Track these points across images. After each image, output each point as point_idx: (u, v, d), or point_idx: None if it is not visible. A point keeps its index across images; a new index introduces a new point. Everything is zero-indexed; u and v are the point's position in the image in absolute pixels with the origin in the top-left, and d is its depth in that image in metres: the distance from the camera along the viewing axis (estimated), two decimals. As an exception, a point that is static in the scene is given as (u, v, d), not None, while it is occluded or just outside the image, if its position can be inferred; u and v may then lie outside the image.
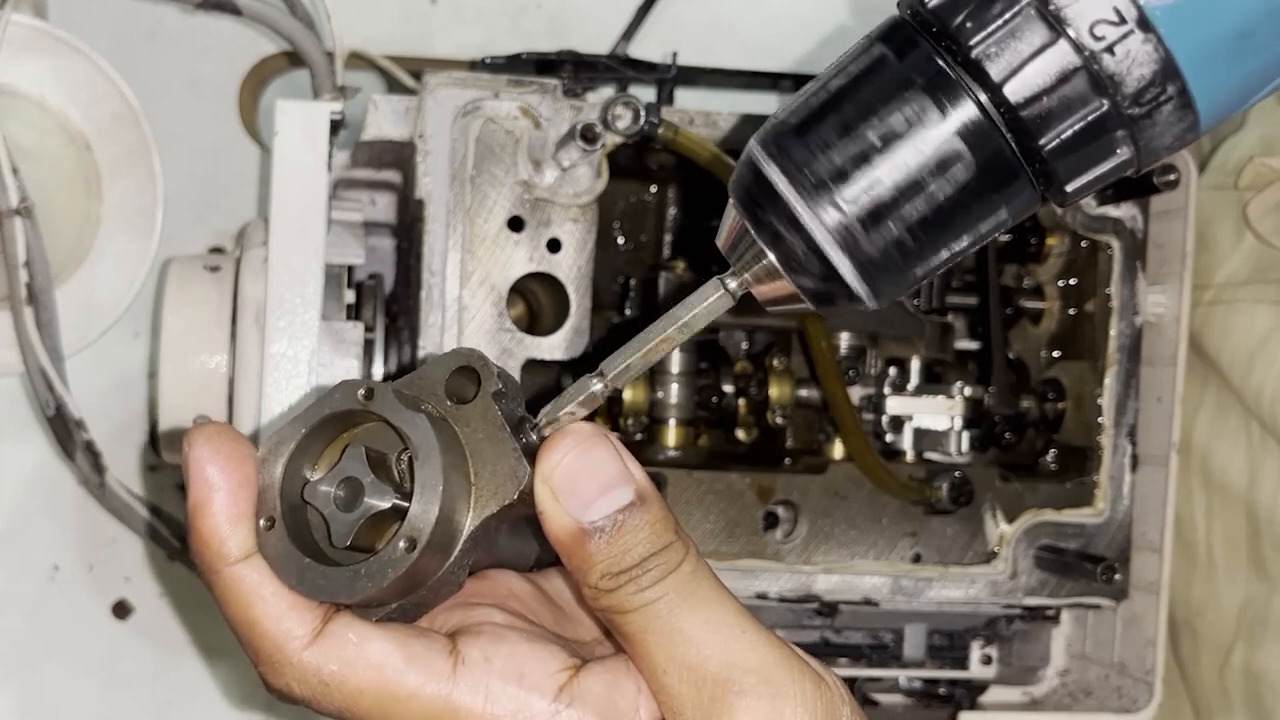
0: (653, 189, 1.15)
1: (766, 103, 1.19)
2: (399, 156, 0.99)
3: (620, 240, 1.15)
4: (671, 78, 1.09)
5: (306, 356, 0.90)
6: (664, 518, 0.56)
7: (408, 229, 1.00)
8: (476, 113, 0.92)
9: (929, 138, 0.50)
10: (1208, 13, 0.47)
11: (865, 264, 0.51)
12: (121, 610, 1.19)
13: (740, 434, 1.06)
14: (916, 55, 0.50)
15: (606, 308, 1.08)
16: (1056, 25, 0.47)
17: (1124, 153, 0.50)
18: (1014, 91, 0.48)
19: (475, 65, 1.12)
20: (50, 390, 1.02)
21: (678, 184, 1.14)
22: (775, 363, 1.03)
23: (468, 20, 1.20)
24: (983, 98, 0.49)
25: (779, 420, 1.02)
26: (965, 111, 0.49)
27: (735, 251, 0.55)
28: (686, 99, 1.14)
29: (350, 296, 0.97)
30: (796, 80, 1.16)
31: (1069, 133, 0.49)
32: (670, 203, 1.15)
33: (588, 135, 0.90)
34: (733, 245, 0.55)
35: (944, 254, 0.52)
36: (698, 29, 1.21)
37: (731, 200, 0.54)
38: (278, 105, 0.91)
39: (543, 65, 1.05)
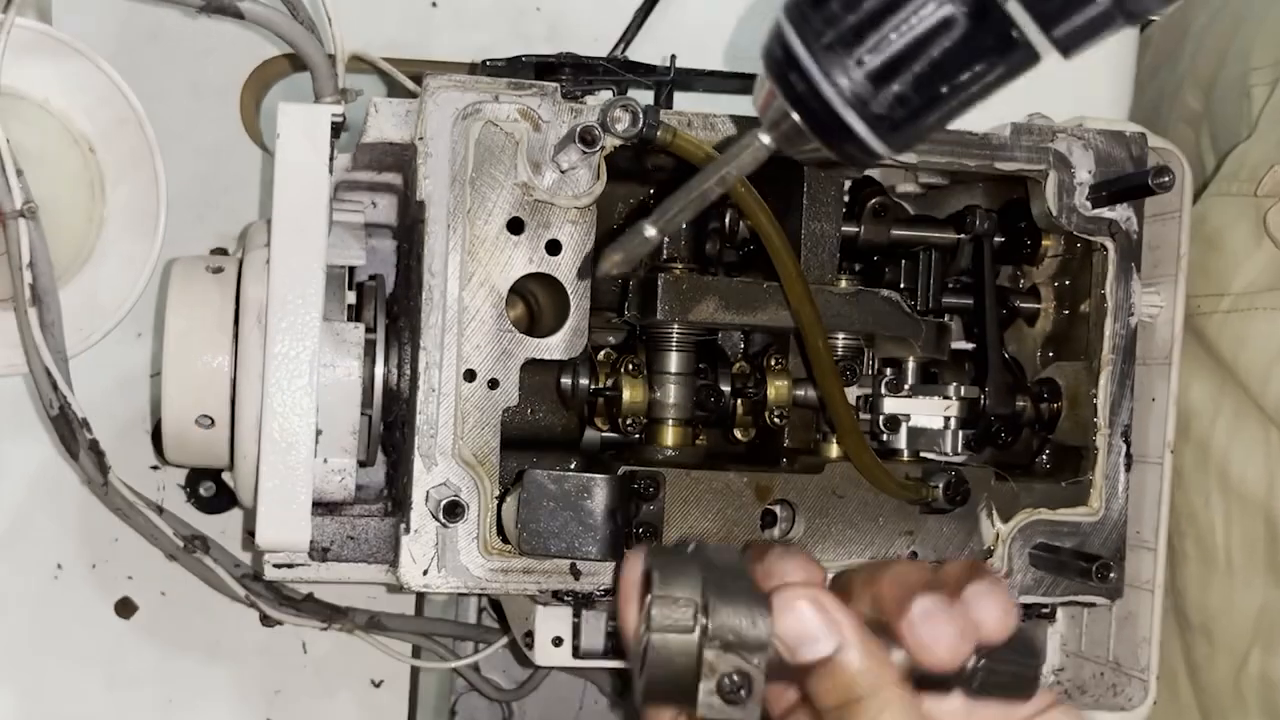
0: (651, 191, 1.16)
1: (764, 105, 1.20)
2: (399, 159, 1.00)
3: (619, 242, 1.15)
4: (670, 81, 1.09)
5: (308, 357, 0.90)
6: (862, 669, 0.62)
7: (408, 231, 1.01)
8: (476, 115, 0.93)
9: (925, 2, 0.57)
10: None
11: (874, 120, 0.58)
12: (124, 609, 1.20)
13: (738, 434, 1.07)
14: None
15: (605, 308, 1.09)
16: None
17: (1102, 3, 0.55)
18: None
19: (475, 68, 1.13)
20: (54, 390, 1.03)
21: (676, 186, 1.15)
22: (773, 363, 1.04)
23: (467, 24, 1.21)
24: None
25: (776, 420, 1.03)
26: None
27: (766, 112, 0.62)
28: (684, 102, 1.14)
29: (351, 297, 0.98)
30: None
31: None
32: (669, 204, 1.16)
33: (586, 138, 0.91)
34: (764, 106, 0.62)
35: (946, 106, 0.59)
36: (695, 33, 1.22)
37: (762, 66, 0.61)
38: (280, 108, 0.91)
39: (542, 68, 1.06)
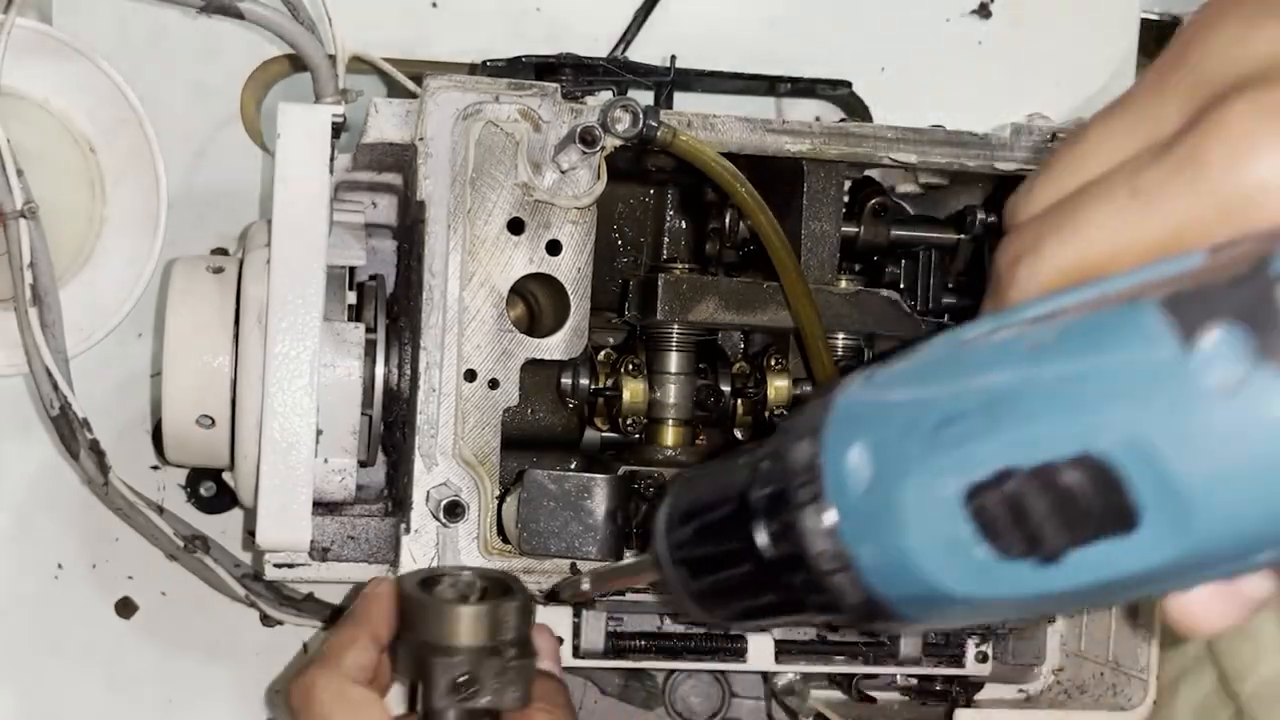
0: (651, 191, 1.16)
1: (764, 106, 1.20)
2: (400, 159, 1.00)
3: (619, 242, 1.16)
4: (670, 81, 1.10)
5: (308, 357, 0.91)
6: None
7: (409, 231, 1.01)
8: (477, 116, 0.93)
9: None
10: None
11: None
12: (125, 609, 1.20)
13: (738, 434, 1.07)
14: None
15: (605, 309, 1.09)
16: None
17: None
18: None
19: (475, 69, 1.13)
20: (54, 390, 1.03)
21: (676, 186, 1.15)
22: (773, 363, 1.04)
23: (468, 24, 1.21)
24: None
25: (777, 420, 1.03)
26: None
27: None
28: (685, 102, 1.14)
29: (352, 297, 0.98)
30: (794, 83, 1.17)
31: None
32: (669, 205, 1.16)
33: (587, 138, 0.91)
34: None
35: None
36: (695, 33, 1.22)
37: None
38: (280, 108, 0.91)
39: (542, 68, 1.06)
